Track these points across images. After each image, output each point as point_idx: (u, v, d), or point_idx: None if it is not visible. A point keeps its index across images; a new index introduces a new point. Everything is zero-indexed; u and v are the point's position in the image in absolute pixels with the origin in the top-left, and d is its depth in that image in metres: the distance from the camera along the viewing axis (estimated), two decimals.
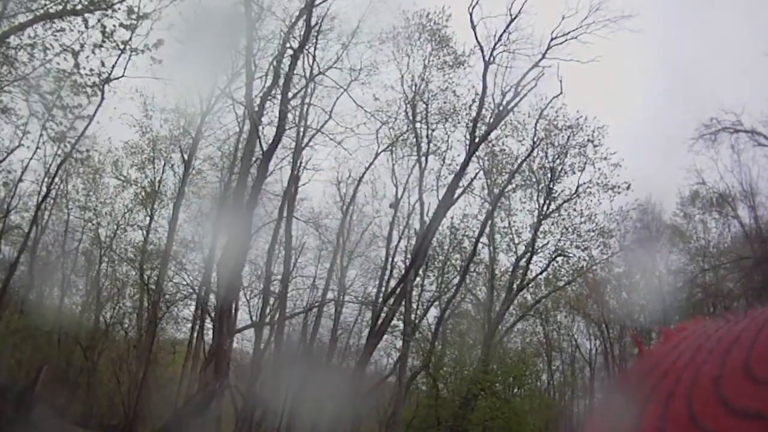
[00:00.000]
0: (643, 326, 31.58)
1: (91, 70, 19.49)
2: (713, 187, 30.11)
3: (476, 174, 26.57)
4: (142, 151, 31.13)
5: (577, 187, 27.84)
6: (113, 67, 22.44)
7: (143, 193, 31.69)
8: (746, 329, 0.70)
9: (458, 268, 27.17)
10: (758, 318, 0.71)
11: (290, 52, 20.95)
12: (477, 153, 27.53)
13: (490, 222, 27.59)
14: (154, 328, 28.27)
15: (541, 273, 27.97)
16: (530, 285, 28.27)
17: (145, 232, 31.22)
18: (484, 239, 27.86)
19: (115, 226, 32.20)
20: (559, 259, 27.76)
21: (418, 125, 26.66)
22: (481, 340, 26.55)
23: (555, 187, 28.07)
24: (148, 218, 31.22)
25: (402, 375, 25.16)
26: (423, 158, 26.67)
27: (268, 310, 26.99)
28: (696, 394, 0.69)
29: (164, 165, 30.96)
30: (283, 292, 25.82)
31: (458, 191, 25.29)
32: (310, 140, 27.22)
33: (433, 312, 27.82)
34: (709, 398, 0.67)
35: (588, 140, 27.92)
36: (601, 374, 33.44)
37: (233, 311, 17.25)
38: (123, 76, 23.16)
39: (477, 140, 25.18)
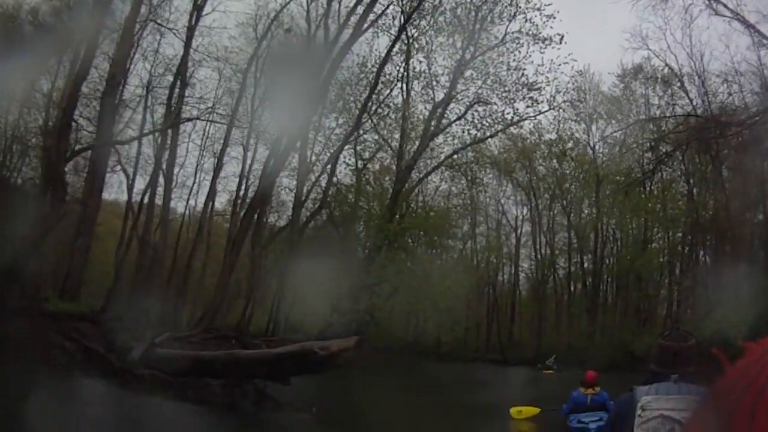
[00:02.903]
0: (575, 197, 29.82)
1: None
2: (660, 55, 27.73)
3: (389, 4, 24.19)
4: None
5: (505, 35, 25.58)
6: None
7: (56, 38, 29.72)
8: None
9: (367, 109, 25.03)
10: None
11: None
12: None
13: (405, 62, 25.46)
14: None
15: (458, 119, 25.86)
16: (446, 132, 26.17)
17: (53, 77, 29.38)
18: (400, 85, 25.79)
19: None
20: (480, 108, 25.66)
21: None
22: (390, 188, 24.74)
23: (481, 36, 25.78)
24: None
25: (296, 221, 23.45)
26: None
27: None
28: None
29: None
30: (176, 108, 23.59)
31: (367, 23, 23.06)
32: None
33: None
34: None
35: None
36: (527, 241, 31.86)
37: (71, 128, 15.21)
38: None
39: None
